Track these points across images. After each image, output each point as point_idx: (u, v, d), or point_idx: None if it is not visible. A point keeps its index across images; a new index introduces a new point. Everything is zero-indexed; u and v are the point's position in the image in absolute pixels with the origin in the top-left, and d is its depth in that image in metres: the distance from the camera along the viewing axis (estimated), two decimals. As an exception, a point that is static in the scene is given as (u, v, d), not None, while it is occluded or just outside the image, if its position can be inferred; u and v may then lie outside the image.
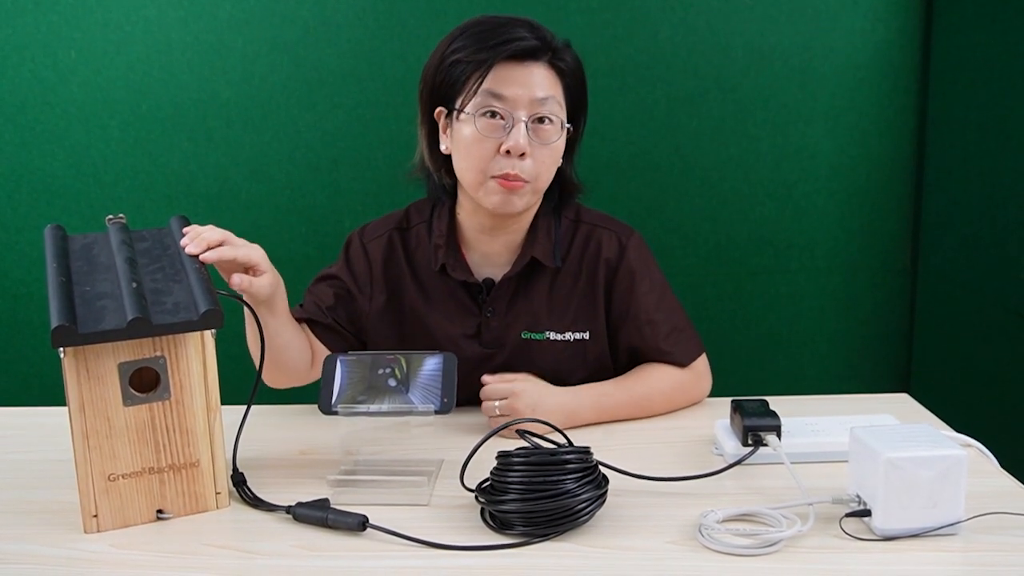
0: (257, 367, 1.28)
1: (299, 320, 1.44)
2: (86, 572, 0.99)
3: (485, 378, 1.36)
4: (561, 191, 1.46)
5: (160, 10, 2.09)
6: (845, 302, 2.23)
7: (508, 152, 1.31)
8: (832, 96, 2.13)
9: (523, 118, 1.31)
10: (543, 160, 1.34)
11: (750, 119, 2.14)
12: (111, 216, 1.20)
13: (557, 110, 1.34)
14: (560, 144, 1.36)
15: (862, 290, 2.23)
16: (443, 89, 1.36)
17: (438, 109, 1.38)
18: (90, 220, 2.16)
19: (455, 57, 1.33)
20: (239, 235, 2.20)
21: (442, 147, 1.40)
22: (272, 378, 1.41)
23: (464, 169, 1.36)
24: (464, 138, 1.34)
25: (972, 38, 1.95)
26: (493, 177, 1.33)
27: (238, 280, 1.20)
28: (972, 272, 1.97)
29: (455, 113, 1.34)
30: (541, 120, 1.33)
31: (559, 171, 1.41)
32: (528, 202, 1.37)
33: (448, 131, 1.38)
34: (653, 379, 1.43)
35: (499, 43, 1.31)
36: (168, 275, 1.12)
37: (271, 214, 2.17)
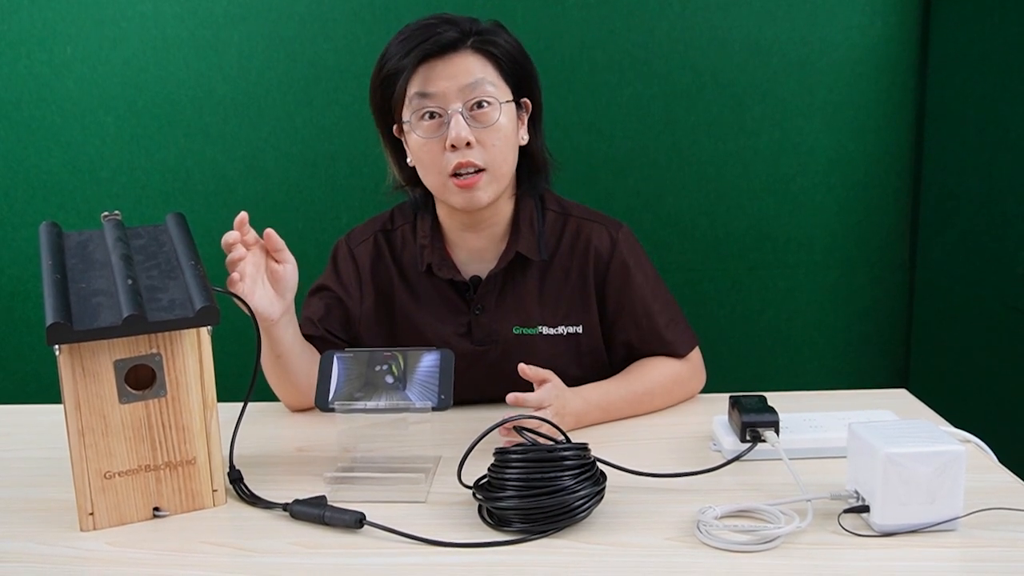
0: (273, 386, 1.27)
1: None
2: (82, 570, 0.99)
3: (529, 372, 1.26)
4: (530, 168, 1.45)
5: (156, 6, 2.08)
6: (843, 297, 2.23)
7: (453, 147, 1.31)
8: (830, 91, 2.12)
9: (458, 109, 1.31)
10: (492, 143, 1.33)
11: (748, 114, 2.13)
12: (106, 213, 1.20)
13: (493, 91, 1.33)
14: (506, 123, 1.35)
15: (860, 285, 2.23)
16: (387, 106, 1.37)
17: (395, 126, 1.39)
18: (86, 217, 2.15)
19: (385, 72, 1.35)
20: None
21: (408, 161, 1.41)
22: (294, 397, 1.43)
23: (424, 176, 1.38)
24: (414, 146, 1.36)
25: (970, 33, 1.94)
26: (451, 176, 1.33)
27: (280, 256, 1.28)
28: (970, 267, 1.97)
29: (402, 125, 1.36)
30: (479, 105, 1.32)
31: (526, 149, 1.41)
32: (495, 191, 1.36)
33: (408, 143, 1.39)
34: (653, 374, 1.42)
35: (416, 45, 1.31)
36: (164, 272, 1.11)
37: (267, 210, 2.16)
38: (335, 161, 2.15)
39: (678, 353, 1.45)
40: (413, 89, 1.32)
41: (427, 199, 1.46)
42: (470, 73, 1.32)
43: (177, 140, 2.14)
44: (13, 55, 2.10)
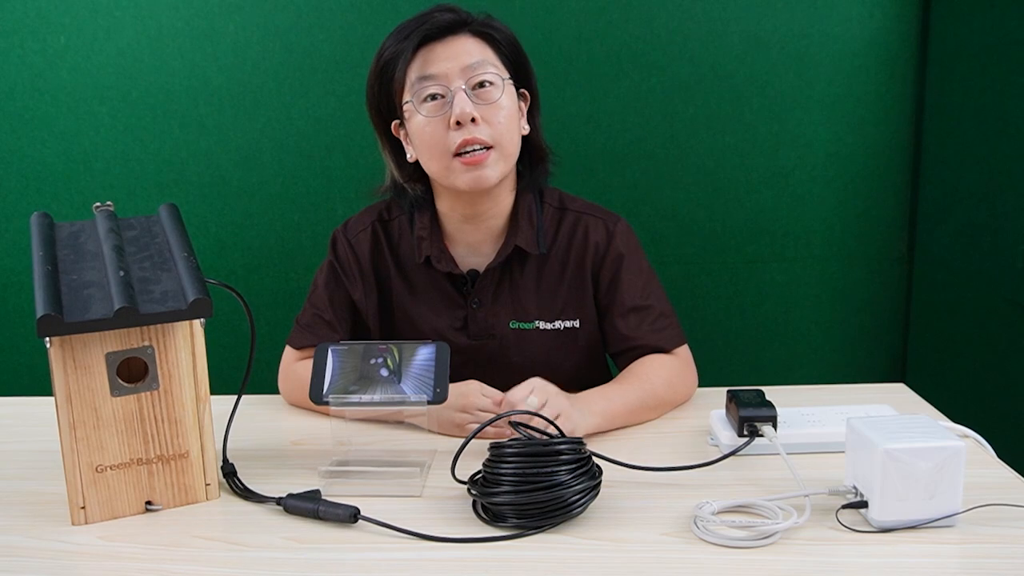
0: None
1: (312, 345, 1.41)
2: (74, 565, 0.98)
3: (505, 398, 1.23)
4: (530, 160, 1.44)
5: (150, -5, 2.06)
6: (841, 291, 2.23)
7: (458, 124, 1.30)
8: (829, 84, 2.11)
9: (461, 86, 1.31)
10: (497, 121, 1.33)
11: (746, 106, 2.12)
12: (99, 204, 1.18)
13: (493, 70, 1.34)
14: (509, 102, 1.35)
15: (858, 279, 2.22)
16: (386, 98, 1.37)
17: (394, 123, 1.39)
18: (80, 208, 2.14)
19: (383, 60, 1.36)
20: (230, 222, 2.19)
21: (408, 157, 1.40)
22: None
23: (427, 159, 1.36)
24: (417, 129, 1.35)
25: (970, 26, 1.93)
26: (455, 156, 1.32)
27: None
28: (969, 261, 1.96)
29: (402, 112, 1.35)
30: (481, 84, 1.33)
31: (526, 140, 1.40)
32: (501, 170, 1.35)
33: (408, 137, 1.39)
34: (651, 373, 1.37)
35: (414, 30, 1.33)
36: (156, 263, 1.10)
37: (263, 202, 2.15)
38: (331, 152, 2.13)
39: (665, 348, 1.41)
40: (414, 73, 1.32)
41: (427, 196, 1.44)
42: (472, 53, 1.33)
43: (171, 131, 2.12)
44: (6, 44, 2.08)
